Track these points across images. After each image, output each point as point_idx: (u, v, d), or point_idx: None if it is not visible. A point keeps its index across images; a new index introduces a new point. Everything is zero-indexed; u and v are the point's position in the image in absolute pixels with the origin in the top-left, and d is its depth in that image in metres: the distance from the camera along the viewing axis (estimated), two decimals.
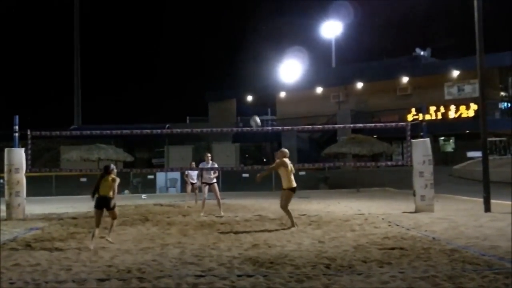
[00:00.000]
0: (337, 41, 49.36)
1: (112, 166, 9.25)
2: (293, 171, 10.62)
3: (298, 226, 10.34)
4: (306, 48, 47.20)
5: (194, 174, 16.58)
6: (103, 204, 8.84)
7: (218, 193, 13.78)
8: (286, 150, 10.91)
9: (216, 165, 14.09)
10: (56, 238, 9.43)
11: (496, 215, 11.69)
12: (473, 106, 33.33)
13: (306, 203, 16.68)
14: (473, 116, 32.72)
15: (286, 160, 10.57)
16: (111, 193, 8.88)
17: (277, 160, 10.74)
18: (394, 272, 6.15)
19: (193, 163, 17.16)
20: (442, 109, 35.19)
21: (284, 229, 10.22)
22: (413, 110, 34.59)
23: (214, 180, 13.89)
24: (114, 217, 9.06)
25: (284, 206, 10.49)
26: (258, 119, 13.57)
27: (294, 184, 10.51)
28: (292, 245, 8.27)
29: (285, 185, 10.51)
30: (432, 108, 34.79)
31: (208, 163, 13.89)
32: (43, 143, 40.09)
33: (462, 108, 34.60)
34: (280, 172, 10.60)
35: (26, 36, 69.35)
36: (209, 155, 14.19)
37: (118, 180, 9.03)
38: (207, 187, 13.79)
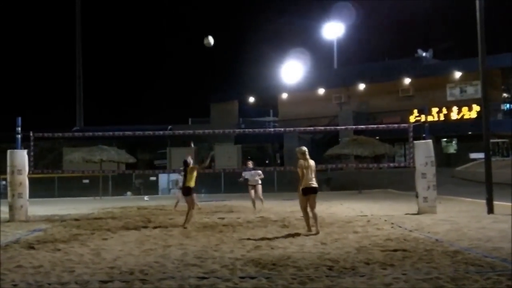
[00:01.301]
0: (339, 42, 49.43)
1: (189, 159, 11.82)
2: (312, 170, 9.77)
3: (311, 231, 9.68)
4: (308, 49, 47.30)
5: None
6: (184, 192, 11.76)
7: (261, 193, 15.13)
8: (299, 149, 10.02)
9: (259, 171, 15.46)
10: (59, 240, 9.43)
11: (499, 216, 11.67)
12: (476, 108, 33.33)
13: None
14: (475, 118, 32.70)
15: (301, 161, 9.81)
16: (192, 183, 11.54)
17: None
18: (397, 274, 6.14)
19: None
20: (444, 110, 35.20)
21: (290, 234, 10.18)
22: (415, 111, 34.56)
23: (259, 182, 15.22)
24: (191, 206, 11.43)
25: (301, 208, 10.01)
26: (211, 39, 12.72)
27: (306, 185, 9.70)
28: (294, 247, 8.26)
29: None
30: (434, 110, 34.76)
31: (249, 168, 15.29)
32: (46, 145, 40.06)
33: (465, 109, 34.61)
34: None
35: (29, 38, 69.55)
36: (250, 162, 15.55)
37: (195, 167, 11.75)
38: (253, 190, 15.12)
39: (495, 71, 32.45)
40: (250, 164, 15.37)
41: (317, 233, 9.57)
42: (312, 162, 9.93)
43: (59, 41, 70.95)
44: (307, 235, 9.46)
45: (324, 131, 35.05)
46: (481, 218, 11.43)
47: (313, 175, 9.85)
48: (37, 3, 69.95)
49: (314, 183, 9.82)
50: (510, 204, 13.47)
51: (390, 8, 50.05)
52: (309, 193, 9.79)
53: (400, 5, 46.52)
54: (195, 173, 11.66)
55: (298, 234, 9.66)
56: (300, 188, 9.81)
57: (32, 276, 6.40)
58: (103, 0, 74.28)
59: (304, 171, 9.73)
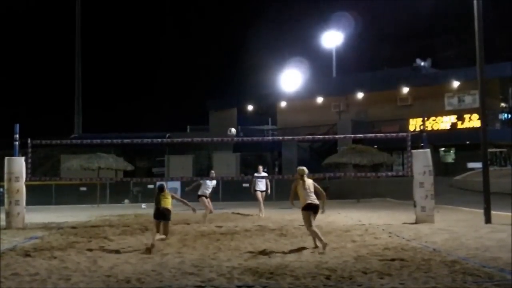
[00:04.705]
0: (337, 51, 49.48)
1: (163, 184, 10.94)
2: (308, 188, 9.31)
3: (323, 249, 8.77)
4: (306, 57, 47.34)
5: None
6: (162, 216, 10.34)
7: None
8: (299, 168, 9.65)
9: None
10: (56, 247, 9.40)
11: (497, 226, 11.66)
12: (474, 117, 33.33)
13: None
14: (473, 127, 32.70)
15: (300, 179, 9.41)
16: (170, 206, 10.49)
17: None
18: (395, 284, 6.13)
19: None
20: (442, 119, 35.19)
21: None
22: (414, 120, 34.53)
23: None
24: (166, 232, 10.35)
25: (306, 227, 9.41)
26: (234, 130, 13.29)
27: (305, 202, 9.20)
28: (292, 256, 8.25)
29: None
30: (433, 119, 34.81)
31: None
32: (43, 152, 40.04)
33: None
34: None
35: (27, 44, 69.60)
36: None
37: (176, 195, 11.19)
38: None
39: (494, 81, 32.51)
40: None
41: (316, 247, 9.05)
42: (310, 182, 9.49)
43: (58, 48, 71.03)
44: (322, 252, 8.60)
45: (323, 140, 35.05)
46: (479, 228, 11.42)
47: (312, 195, 9.33)
48: (35, 10, 70.11)
49: (315, 201, 9.29)
50: (508, 213, 13.47)
51: (389, 18, 50.28)
52: (310, 209, 9.23)
53: (399, 14, 46.75)
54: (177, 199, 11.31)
55: (295, 243, 9.64)
56: (301, 205, 9.27)
57: (28, 284, 6.38)
58: (102, 7, 74.47)
59: (302, 191, 9.28)
